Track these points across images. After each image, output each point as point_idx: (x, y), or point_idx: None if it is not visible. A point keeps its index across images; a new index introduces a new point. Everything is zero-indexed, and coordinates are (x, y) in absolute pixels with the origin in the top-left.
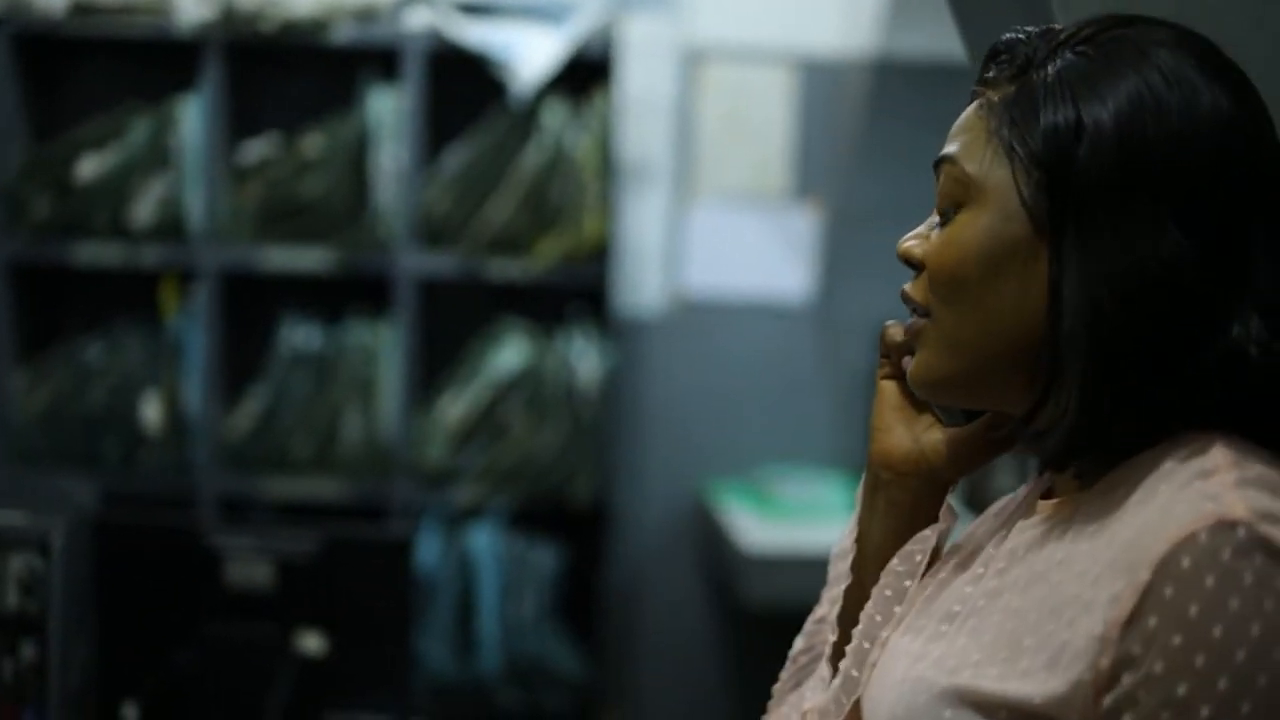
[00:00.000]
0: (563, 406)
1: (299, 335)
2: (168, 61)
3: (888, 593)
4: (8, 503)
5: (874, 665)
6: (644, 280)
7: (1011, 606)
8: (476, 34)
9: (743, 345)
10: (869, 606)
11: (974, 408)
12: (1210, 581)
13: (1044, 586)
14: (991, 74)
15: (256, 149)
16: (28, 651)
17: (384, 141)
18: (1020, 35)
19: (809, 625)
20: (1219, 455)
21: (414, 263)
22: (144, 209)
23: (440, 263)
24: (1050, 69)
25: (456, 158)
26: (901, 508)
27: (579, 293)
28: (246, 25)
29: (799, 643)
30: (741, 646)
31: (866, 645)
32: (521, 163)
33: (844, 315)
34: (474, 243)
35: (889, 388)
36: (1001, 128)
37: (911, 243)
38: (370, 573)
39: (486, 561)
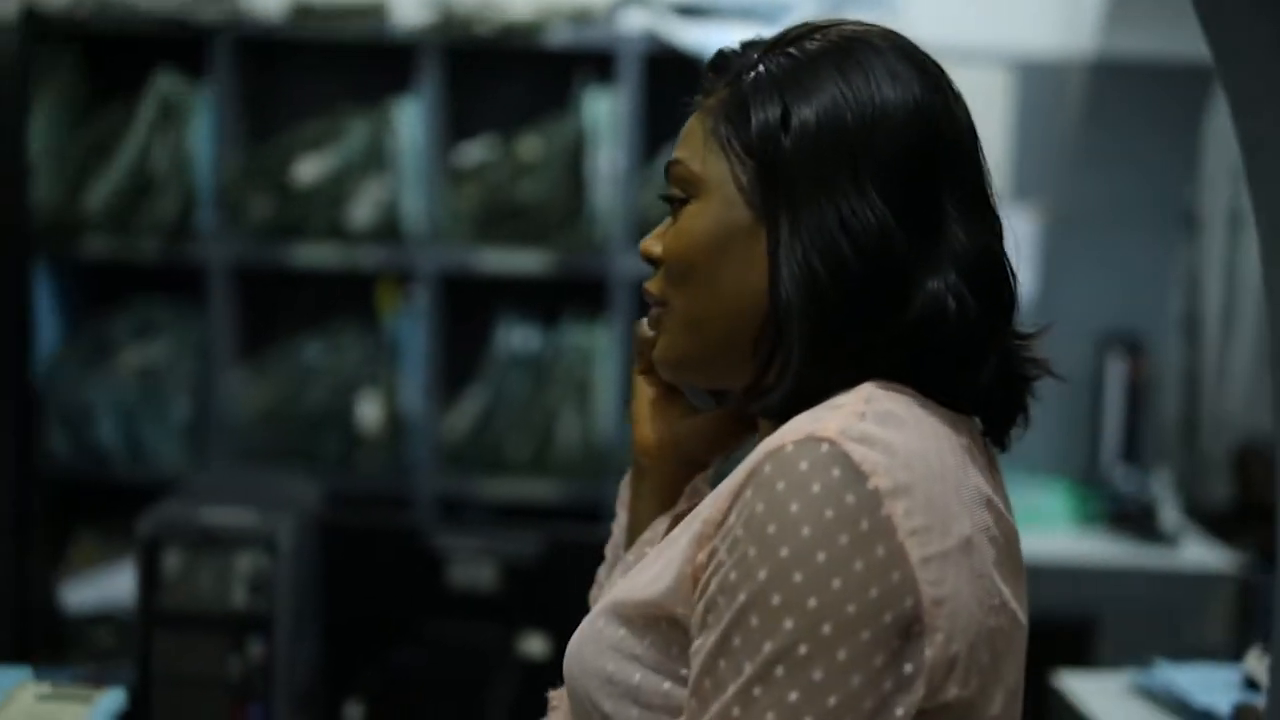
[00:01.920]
0: None
1: (516, 337)
2: (385, 64)
3: (629, 557)
4: (235, 502)
5: None
6: None
7: (674, 533)
8: (692, 35)
9: None
10: (614, 575)
11: (714, 385)
12: (781, 486)
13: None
14: (708, 84)
15: (474, 151)
16: (255, 650)
17: (600, 143)
18: (734, 49)
19: None
20: (861, 391)
21: (630, 265)
22: (362, 211)
23: None
24: (760, 70)
25: None
26: (663, 491)
27: None
28: (463, 28)
29: None
30: None
31: None
32: None
33: (1063, 319)
34: None
35: (644, 382)
36: (718, 126)
37: (649, 241)
38: (592, 575)
39: None
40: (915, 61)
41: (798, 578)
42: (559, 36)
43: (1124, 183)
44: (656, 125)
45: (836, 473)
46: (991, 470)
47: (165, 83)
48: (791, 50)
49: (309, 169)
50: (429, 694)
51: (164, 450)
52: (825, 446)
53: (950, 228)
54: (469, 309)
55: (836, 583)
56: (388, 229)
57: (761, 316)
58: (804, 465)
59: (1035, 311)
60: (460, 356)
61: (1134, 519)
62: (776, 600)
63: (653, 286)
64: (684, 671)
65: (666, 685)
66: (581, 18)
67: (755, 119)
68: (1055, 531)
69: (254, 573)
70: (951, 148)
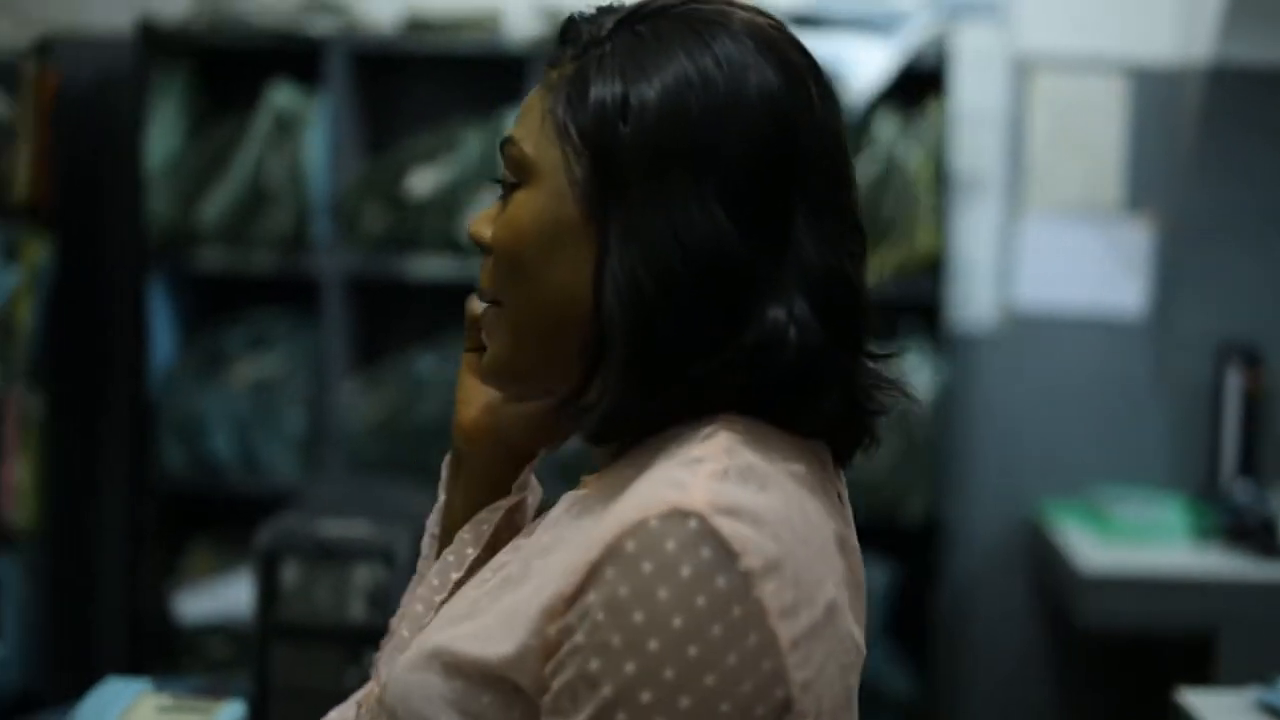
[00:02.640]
0: (894, 423)
1: None
2: (498, 75)
3: (450, 558)
4: (351, 514)
5: (423, 629)
6: (976, 294)
7: (509, 572)
8: (808, 45)
9: (1076, 361)
10: (430, 573)
11: (540, 398)
12: (647, 567)
13: (543, 557)
14: (555, 55)
15: None
16: (371, 662)
17: None
18: (589, 13)
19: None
20: (719, 442)
21: None
22: None
23: None
24: (607, 47)
25: None
26: (481, 480)
27: (911, 307)
28: None
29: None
30: (1074, 668)
31: (420, 609)
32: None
33: (1180, 330)
34: None
35: (471, 360)
36: (556, 106)
37: (479, 223)
38: None
39: None
40: (777, 51)
41: (669, 674)
42: None
43: (1241, 191)
44: None
45: (706, 553)
46: (840, 499)
47: (280, 96)
48: (641, 28)
49: (423, 181)
50: None
51: (278, 462)
52: (694, 523)
53: (801, 244)
54: None
55: (710, 679)
56: None
57: (585, 328)
58: (671, 545)
59: (1152, 322)
60: None
61: (1253, 533)
62: (646, 698)
63: (485, 279)
64: None
65: None
66: None
67: (593, 102)
68: (1173, 546)
69: (371, 585)
70: (810, 153)
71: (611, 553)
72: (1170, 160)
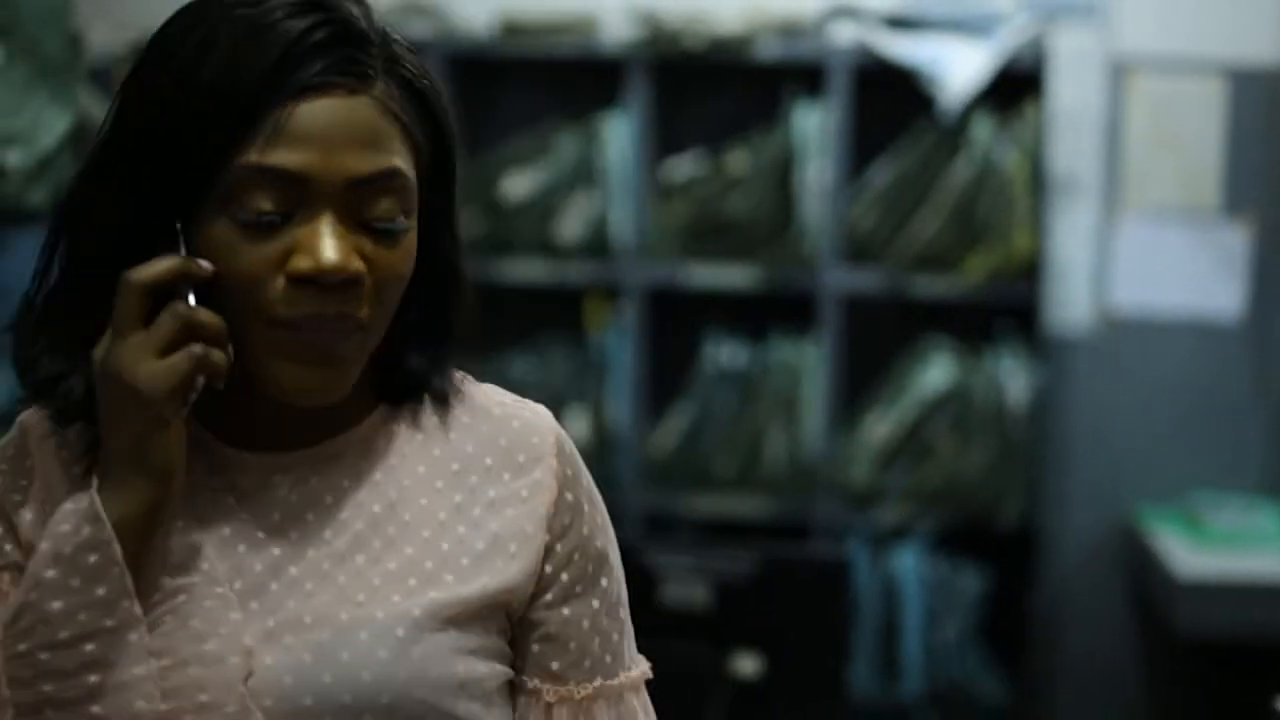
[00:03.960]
0: (990, 426)
1: (724, 352)
2: (594, 80)
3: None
4: None
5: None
6: (1072, 297)
7: (404, 523)
8: (903, 47)
9: (1172, 365)
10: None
11: None
12: (577, 457)
13: (423, 501)
14: (358, 67)
15: (682, 166)
16: None
17: (810, 158)
18: (361, 21)
19: None
20: (484, 387)
21: (839, 279)
22: (571, 226)
23: (865, 279)
24: (418, 68)
25: (882, 173)
26: (180, 452)
27: (1006, 310)
28: (672, 43)
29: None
30: (1169, 675)
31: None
32: (949, 177)
33: (1277, 336)
34: (899, 259)
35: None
36: (411, 132)
37: (355, 261)
38: (806, 594)
39: (911, 583)
40: None
41: (601, 517)
42: (768, 50)
43: None
44: (866, 139)
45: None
46: None
47: None
48: (408, 48)
49: (518, 185)
50: None
51: None
52: (557, 425)
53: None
54: (676, 324)
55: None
56: (596, 244)
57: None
58: (569, 441)
59: (1249, 326)
60: (668, 372)
61: None
62: (613, 547)
63: (359, 309)
64: (506, 646)
65: (499, 667)
66: (790, 31)
67: (439, 128)
68: (1270, 553)
69: None
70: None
71: (560, 456)
72: (1269, 163)
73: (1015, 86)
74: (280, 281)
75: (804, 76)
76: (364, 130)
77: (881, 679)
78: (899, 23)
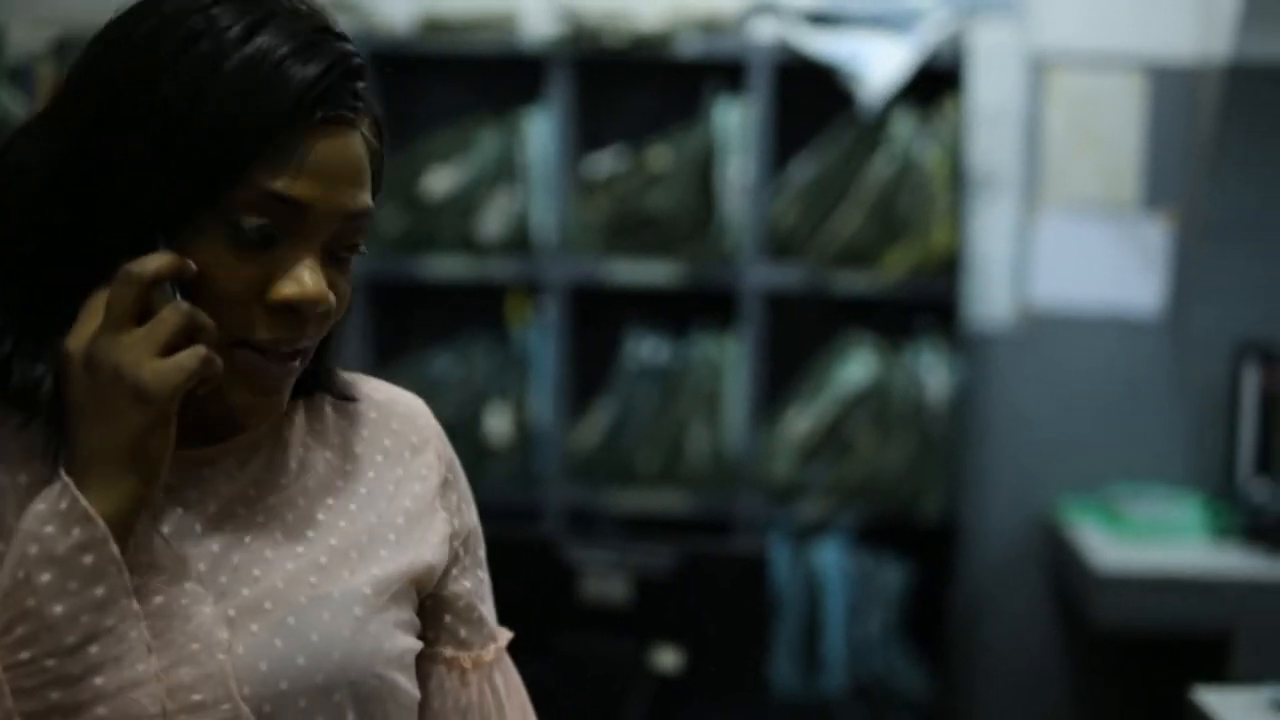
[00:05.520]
0: (910, 421)
1: (645, 349)
2: (515, 76)
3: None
4: None
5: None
6: (992, 293)
7: (329, 506)
8: (824, 44)
9: (1092, 359)
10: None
11: None
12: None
13: (339, 483)
14: (360, 102)
15: (604, 163)
16: None
17: (731, 154)
18: (360, 55)
19: None
20: (358, 376)
21: (760, 275)
22: (492, 222)
23: (786, 275)
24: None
25: (803, 169)
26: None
27: (927, 305)
28: (593, 39)
29: None
30: (1089, 667)
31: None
32: (869, 173)
33: (1196, 330)
34: (820, 255)
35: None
36: (375, 166)
37: (328, 293)
38: (727, 588)
39: (833, 578)
40: None
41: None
42: (689, 47)
43: (1259, 189)
44: (787, 135)
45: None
46: None
47: None
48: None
49: (439, 181)
50: (560, 707)
51: None
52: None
53: None
54: (598, 320)
55: None
56: (518, 241)
57: None
58: (436, 421)
59: (1168, 321)
60: (589, 368)
61: (1269, 531)
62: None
63: (313, 336)
64: (416, 619)
65: (415, 639)
66: (711, 27)
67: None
68: (1189, 545)
69: None
70: None
71: (440, 437)
72: (1187, 158)
73: (935, 83)
74: (259, 306)
75: (725, 73)
76: (358, 167)
77: (804, 673)
78: (820, 19)
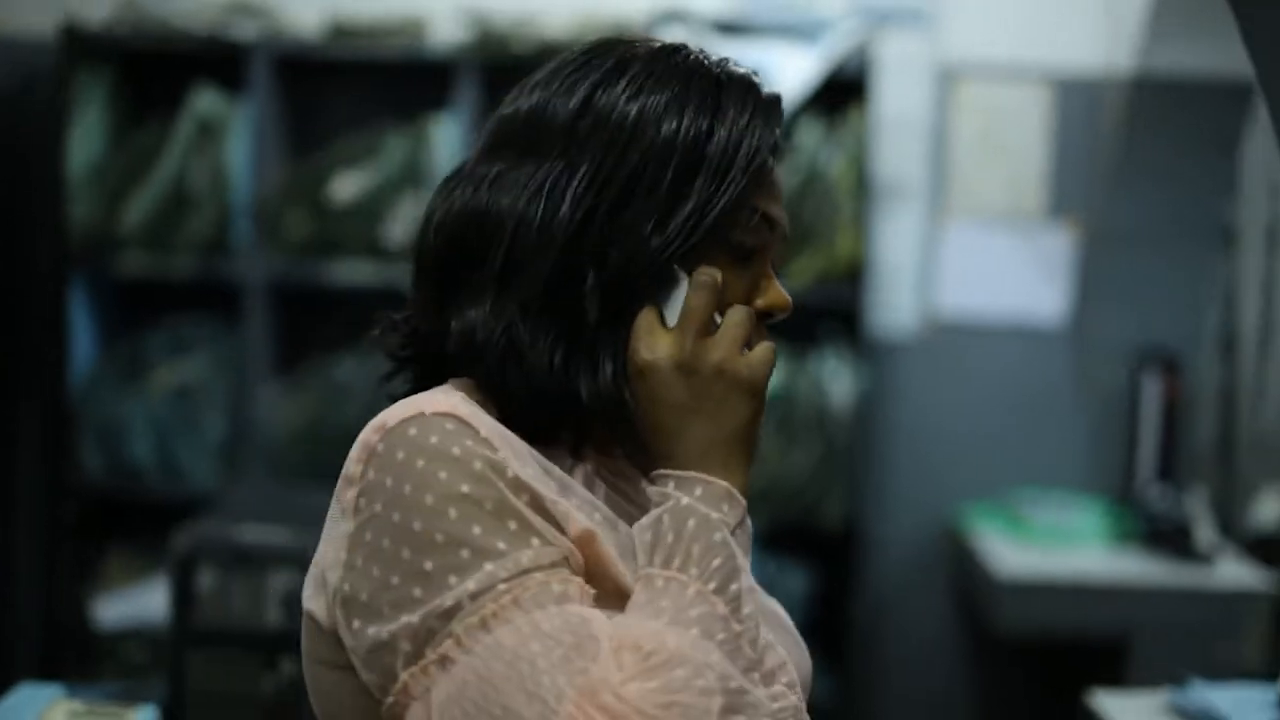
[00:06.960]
0: (814, 428)
1: None
2: (422, 82)
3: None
4: (269, 520)
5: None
6: (897, 301)
7: None
8: (730, 53)
9: (996, 367)
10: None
11: None
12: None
13: None
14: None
15: None
16: (288, 668)
17: None
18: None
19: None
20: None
21: None
22: (399, 228)
23: None
24: None
25: None
26: None
27: (831, 313)
28: (500, 46)
29: None
30: (991, 672)
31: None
32: None
33: (1099, 337)
34: None
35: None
36: None
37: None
38: None
39: None
40: None
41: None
42: None
43: (1162, 199)
44: None
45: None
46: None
47: (203, 100)
48: None
49: (346, 186)
50: None
51: (198, 467)
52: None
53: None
54: None
55: None
56: None
57: None
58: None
59: (1071, 329)
60: None
61: (1169, 538)
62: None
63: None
64: None
65: None
66: (619, 34)
67: None
68: (1089, 550)
69: (288, 591)
70: None
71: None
72: (1091, 169)
73: (842, 92)
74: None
75: None
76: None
77: None
78: (728, 28)
